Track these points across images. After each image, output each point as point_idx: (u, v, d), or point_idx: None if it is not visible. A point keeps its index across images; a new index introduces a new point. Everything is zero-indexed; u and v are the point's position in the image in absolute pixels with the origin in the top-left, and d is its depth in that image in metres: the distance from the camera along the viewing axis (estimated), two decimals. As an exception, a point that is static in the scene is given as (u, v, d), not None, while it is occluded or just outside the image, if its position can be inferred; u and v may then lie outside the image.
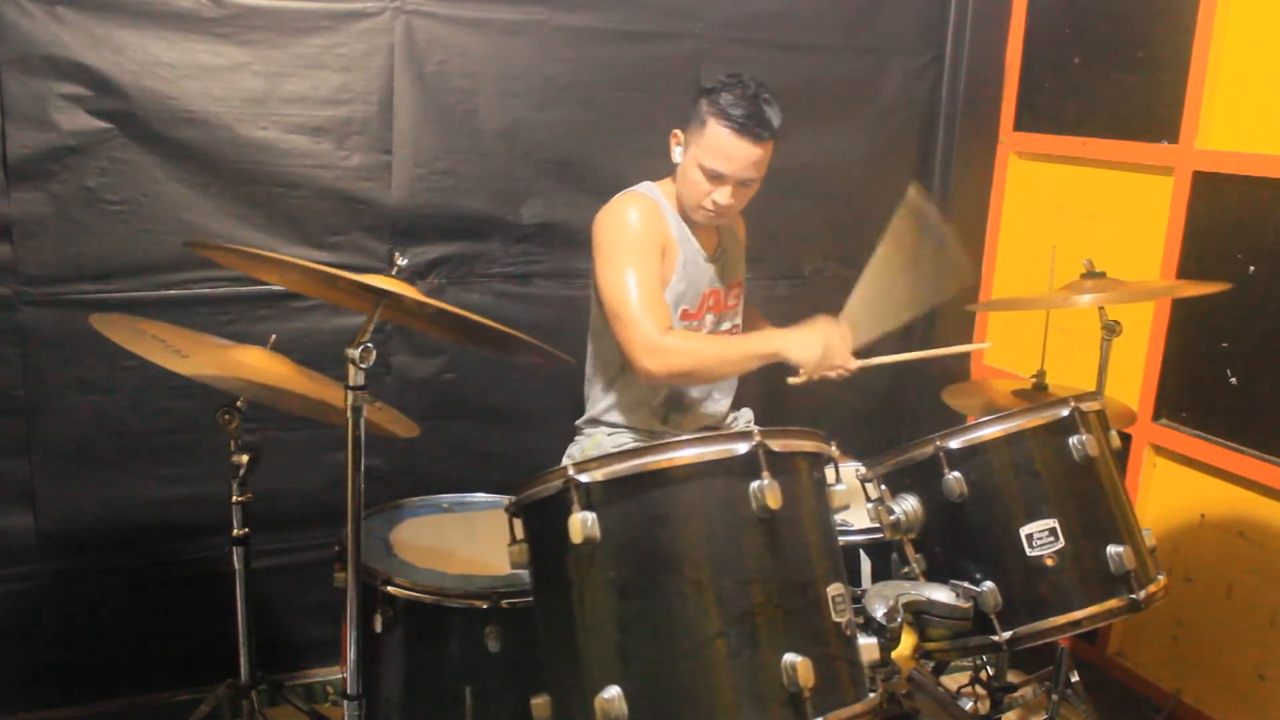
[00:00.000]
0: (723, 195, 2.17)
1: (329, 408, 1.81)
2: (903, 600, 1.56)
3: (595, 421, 2.39)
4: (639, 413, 2.36)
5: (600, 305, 2.25)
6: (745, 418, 2.57)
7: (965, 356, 3.21)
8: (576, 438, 2.43)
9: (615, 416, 2.37)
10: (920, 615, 1.61)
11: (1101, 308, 2.22)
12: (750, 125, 2.11)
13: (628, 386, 2.34)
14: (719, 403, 2.46)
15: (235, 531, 1.95)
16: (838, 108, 2.95)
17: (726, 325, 2.43)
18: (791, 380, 2.18)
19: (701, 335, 2.31)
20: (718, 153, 2.13)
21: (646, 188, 2.31)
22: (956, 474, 1.68)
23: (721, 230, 2.40)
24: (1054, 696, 2.33)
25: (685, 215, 2.28)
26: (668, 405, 2.38)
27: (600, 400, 2.38)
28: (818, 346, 2.11)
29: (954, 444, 1.70)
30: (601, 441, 2.35)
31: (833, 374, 2.18)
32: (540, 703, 1.42)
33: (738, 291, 2.46)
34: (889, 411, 3.24)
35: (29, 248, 2.26)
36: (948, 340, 3.16)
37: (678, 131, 2.24)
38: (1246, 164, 2.42)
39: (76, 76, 2.22)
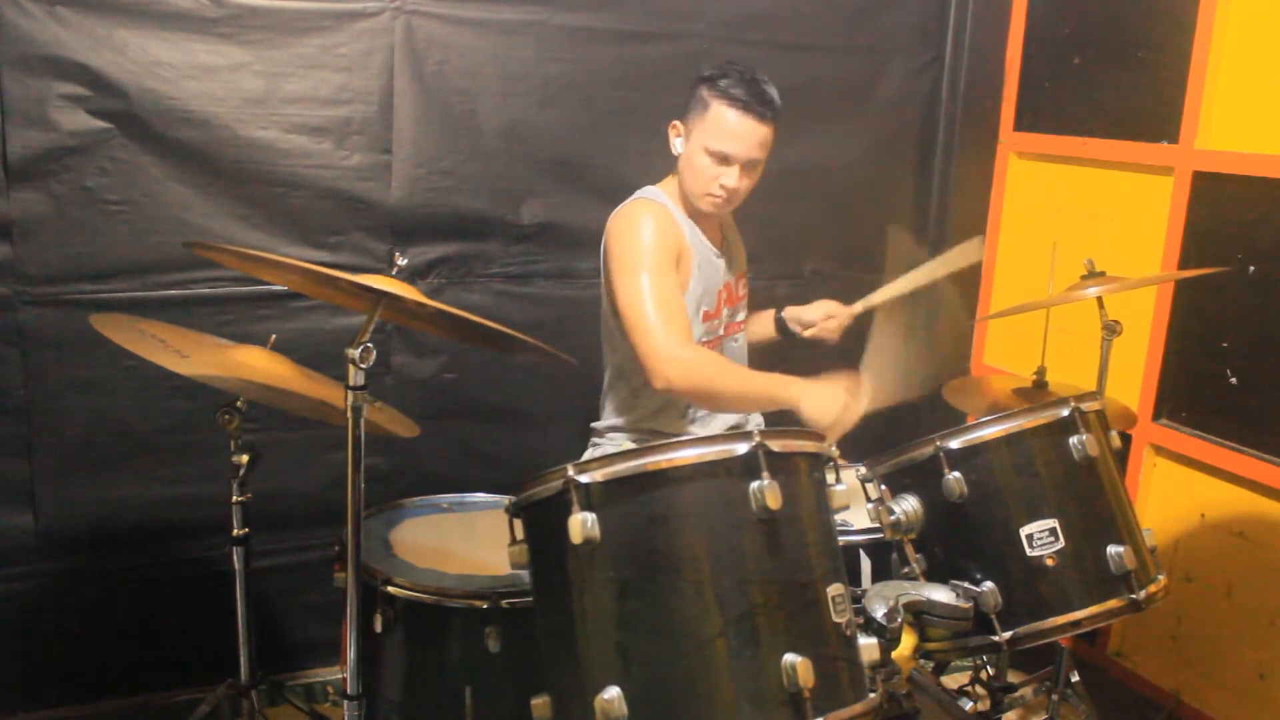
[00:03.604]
0: (730, 178, 2.16)
1: (329, 408, 1.81)
2: (903, 600, 1.56)
3: (620, 429, 2.35)
4: (667, 416, 2.32)
5: (616, 316, 2.22)
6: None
7: (966, 356, 3.21)
8: (595, 440, 2.39)
9: (645, 424, 2.32)
10: (920, 615, 1.61)
11: (1102, 307, 2.22)
12: (753, 103, 2.13)
13: (655, 393, 2.31)
14: None
15: (235, 531, 1.94)
16: (838, 108, 2.95)
17: (741, 316, 2.42)
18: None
19: (725, 359, 2.27)
20: (724, 133, 2.13)
21: (652, 193, 2.27)
22: (956, 474, 1.68)
23: (722, 222, 2.39)
24: (1054, 696, 2.33)
25: (693, 213, 2.26)
26: (695, 409, 2.34)
27: (625, 407, 2.33)
28: (835, 408, 2.04)
29: (954, 444, 1.70)
30: (627, 447, 2.30)
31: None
32: (540, 703, 1.42)
33: (745, 281, 2.45)
34: (889, 411, 3.23)
35: (29, 248, 2.26)
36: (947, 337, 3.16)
37: (677, 123, 2.23)
38: (1246, 164, 2.42)
39: (76, 76, 2.22)
